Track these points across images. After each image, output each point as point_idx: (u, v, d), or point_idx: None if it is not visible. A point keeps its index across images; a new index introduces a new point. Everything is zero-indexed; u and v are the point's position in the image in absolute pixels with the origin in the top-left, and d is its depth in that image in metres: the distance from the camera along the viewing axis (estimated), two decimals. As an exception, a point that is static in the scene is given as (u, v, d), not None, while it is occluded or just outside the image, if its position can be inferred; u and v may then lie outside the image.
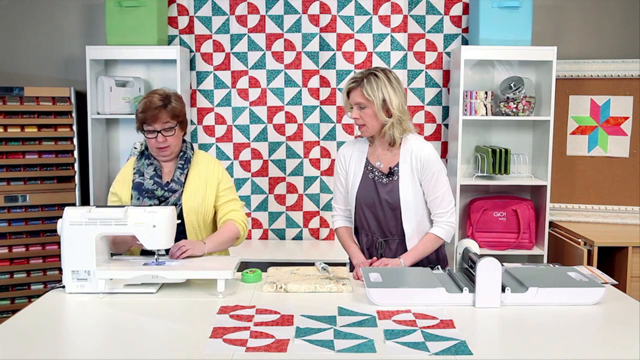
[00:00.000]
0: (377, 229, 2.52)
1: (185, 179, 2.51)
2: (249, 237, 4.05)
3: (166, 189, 2.46)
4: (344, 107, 2.53)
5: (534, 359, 1.64)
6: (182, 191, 2.48)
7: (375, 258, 2.46)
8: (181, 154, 2.53)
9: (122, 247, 2.45)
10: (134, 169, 2.54)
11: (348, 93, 2.46)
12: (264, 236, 4.09)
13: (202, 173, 2.54)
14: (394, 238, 2.51)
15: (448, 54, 3.98)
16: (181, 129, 2.50)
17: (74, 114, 3.76)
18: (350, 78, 2.45)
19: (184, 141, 2.56)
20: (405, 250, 2.49)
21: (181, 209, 2.47)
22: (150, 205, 2.41)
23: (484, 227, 3.89)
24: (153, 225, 2.15)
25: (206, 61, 3.96)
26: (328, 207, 4.03)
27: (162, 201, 2.45)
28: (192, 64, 3.96)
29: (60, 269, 2.99)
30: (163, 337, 1.81)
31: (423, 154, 2.44)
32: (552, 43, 3.91)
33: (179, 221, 2.41)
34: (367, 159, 2.54)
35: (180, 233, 2.45)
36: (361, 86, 2.40)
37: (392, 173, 2.47)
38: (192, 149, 2.59)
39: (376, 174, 2.50)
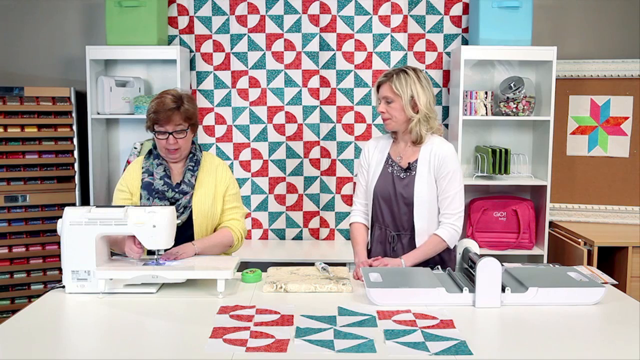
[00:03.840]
0: (391, 222, 2.55)
1: (195, 182, 2.50)
2: (249, 237, 4.05)
3: (177, 190, 2.45)
4: (376, 102, 2.61)
5: (534, 359, 1.64)
6: (193, 194, 2.47)
7: (378, 257, 2.46)
8: (190, 155, 2.52)
9: (119, 249, 2.45)
10: (142, 167, 2.52)
11: (378, 88, 2.55)
12: (264, 236, 4.09)
13: (212, 176, 2.53)
14: (406, 233, 2.53)
15: (448, 54, 3.98)
16: (192, 131, 2.49)
17: (74, 114, 3.76)
18: (382, 74, 2.54)
19: (193, 142, 2.55)
20: (415, 246, 2.50)
21: (190, 212, 2.46)
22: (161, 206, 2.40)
23: (484, 227, 3.89)
24: (153, 225, 2.15)
25: (206, 61, 3.96)
26: (328, 207, 4.03)
27: (172, 203, 2.43)
28: (192, 64, 3.96)
29: (60, 269, 3.00)
30: (163, 337, 1.81)
31: (442, 151, 2.49)
32: (552, 43, 3.90)
33: (179, 222, 2.41)
34: (389, 153, 2.59)
35: (189, 238, 2.45)
36: (391, 81, 2.48)
37: (410, 168, 2.51)
38: (201, 150, 2.58)
39: (395, 168, 2.54)
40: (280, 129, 4.00)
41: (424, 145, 2.52)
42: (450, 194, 2.48)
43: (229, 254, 2.60)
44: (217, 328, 1.81)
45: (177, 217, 2.40)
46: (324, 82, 3.96)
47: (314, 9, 3.90)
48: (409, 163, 2.52)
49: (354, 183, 3.94)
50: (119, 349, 1.69)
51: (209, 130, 4.00)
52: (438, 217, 2.53)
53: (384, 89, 2.50)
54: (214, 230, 2.54)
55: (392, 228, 2.55)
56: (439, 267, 2.35)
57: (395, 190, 2.51)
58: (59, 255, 3.19)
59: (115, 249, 2.44)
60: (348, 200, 4.01)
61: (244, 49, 3.95)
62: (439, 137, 2.57)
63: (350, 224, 2.71)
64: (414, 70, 2.51)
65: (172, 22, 3.94)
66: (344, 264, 3.00)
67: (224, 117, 4.00)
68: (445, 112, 4.02)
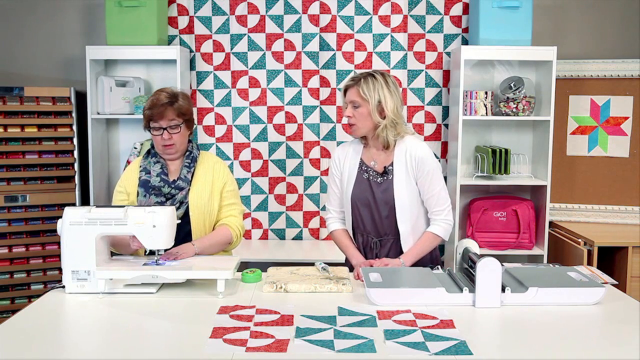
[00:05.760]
0: (373, 228, 2.53)
1: (192, 178, 2.51)
2: (249, 237, 4.05)
3: (173, 186, 2.46)
4: (342, 105, 2.56)
5: (534, 359, 1.64)
6: (189, 189, 2.49)
7: (376, 259, 2.46)
8: (187, 153, 2.54)
9: (123, 250, 2.45)
10: (140, 166, 2.54)
11: (345, 91, 2.50)
12: (264, 236, 4.09)
13: (209, 172, 2.54)
14: (388, 237, 2.52)
15: (448, 54, 3.98)
16: (187, 128, 2.51)
17: (74, 114, 3.76)
18: (348, 78, 2.50)
19: (190, 141, 2.57)
20: (400, 250, 2.50)
21: (187, 208, 2.47)
22: (157, 202, 2.42)
23: (484, 227, 3.89)
24: (153, 225, 2.15)
25: (206, 61, 3.96)
26: (328, 207, 4.04)
27: (168, 198, 2.45)
28: (192, 64, 3.96)
29: (60, 269, 2.99)
30: (163, 337, 1.81)
31: (417, 152, 2.46)
32: (552, 43, 3.90)
33: (179, 221, 2.41)
34: (361, 159, 2.56)
35: (187, 234, 2.45)
36: (358, 85, 2.44)
37: (386, 172, 2.49)
38: (198, 149, 2.60)
39: (371, 173, 2.52)
40: (280, 129, 4.00)
41: (397, 147, 2.48)
42: (435, 192, 2.47)
43: (228, 252, 2.61)
44: (217, 328, 1.81)
45: None
46: (324, 82, 3.96)
47: (314, 9, 3.90)
48: (384, 167, 2.50)
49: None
50: (118, 349, 1.69)
51: (209, 130, 4.00)
52: (425, 215, 2.53)
53: (351, 93, 2.46)
54: (213, 227, 2.55)
55: (373, 234, 2.54)
56: (439, 267, 2.35)
57: (374, 195, 2.49)
58: (59, 255, 3.18)
59: (120, 250, 2.45)
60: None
61: (244, 49, 3.95)
62: (411, 136, 2.52)
63: (330, 233, 2.67)
64: (382, 74, 2.46)
65: (172, 22, 3.94)
66: (344, 264, 2.99)
67: (224, 117, 4.00)
68: (445, 112, 4.02)
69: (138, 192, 2.48)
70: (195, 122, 3.97)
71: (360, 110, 2.44)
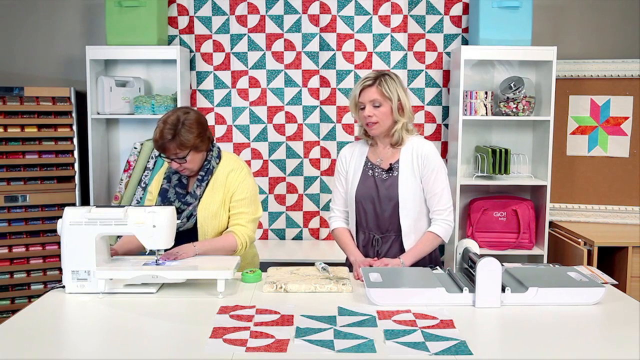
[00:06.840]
0: (375, 225, 2.54)
1: (205, 189, 2.52)
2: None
3: (182, 201, 2.50)
4: (350, 108, 2.56)
5: (534, 359, 1.64)
6: (198, 203, 2.50)
7: (375, 258, 2.47)
8: (205, 162, 2.53)
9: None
10: (165, 173, 2.60)
11: (360, 91, 2.48)
12: (264, 236, 4.09)
13: (221, 183, 2.53)
14: (390, 234, 2.53)
15: (448, 54, 3.98)
16: (197, 152, 2.46)
17: (74, 114, 3.76)
18: (363, 79, 2.50)
19: (211, 149, 2.54)
20: (401, 246, 2.51)
21: (196, 220, 2.50)
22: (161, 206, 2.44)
23: (484, 227, 3.89)
24: (153, 225, 2.15)
25: (206, 61, 3.96)
26: (328, 207, 4.02)
27: (179, 212, 2.49)
28: (192, 64, 3.96)
29: (60, 269, 2.99)
30: (163, 337, 1.81)
31: (423, 150, 2.50)
32: (552, 43, 3.91)
33: (180, 226, 2.42)
34: (367, 157, 2.58)
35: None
36: (379, 84, 2.45)
37: (391, 169, 2.51)
38: (219, 156, 2.57)
39: (376, 170, 2.54)
40: (280, 129, 4.00)
41: (404, 145, 2.52)
42: (438, 190, 2.49)
43: None
44: (217, 328, 1.81)
45: (183, 224, 2.46)
46: (324, 82, 3.96)
47: (314, 9, 3.90)
48: (390, 164, 2.52)
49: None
50: (119, 349, 1.69)
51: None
52: (427, 215, 2.54)
53: (371, 92, 2.45)
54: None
55: (376, 231, 2.55)
56: (439, 267, 2.35)
57: (378, 192, 2.51)
58: (59, 255, 3.19)
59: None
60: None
61: (244, 49, 3.95)
62: (417, 136, 2.57)
63: (332, 231, 2.69)
64: (395, 75, 2.50)
65: (172, 22, 3.94)
66: (344, 264, 2.99)
67: (224, 117, 4.00)
68: (445, 112, 4.02)
69: (157, 201, 2.56)
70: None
71: (381, 109, 2.46)
